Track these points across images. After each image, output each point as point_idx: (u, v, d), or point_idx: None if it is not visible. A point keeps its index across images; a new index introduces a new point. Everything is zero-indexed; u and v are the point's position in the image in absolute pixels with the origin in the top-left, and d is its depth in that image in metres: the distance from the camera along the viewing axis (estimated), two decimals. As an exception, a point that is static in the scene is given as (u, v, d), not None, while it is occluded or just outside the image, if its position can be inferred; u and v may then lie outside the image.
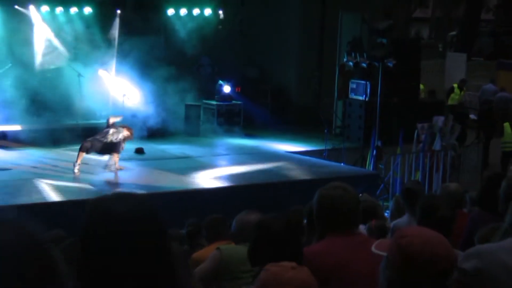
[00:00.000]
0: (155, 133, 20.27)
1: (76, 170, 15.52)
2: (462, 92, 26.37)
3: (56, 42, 20.63)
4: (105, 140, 15.84)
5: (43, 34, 20.52)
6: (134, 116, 19.86)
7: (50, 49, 20.61)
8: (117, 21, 21.47)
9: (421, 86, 26.52)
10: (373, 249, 3.64)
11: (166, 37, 22.80)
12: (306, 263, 3.23)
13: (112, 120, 16.37)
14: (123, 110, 20.00)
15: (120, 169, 16.20)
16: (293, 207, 8.81)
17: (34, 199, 13.43)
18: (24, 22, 20.22)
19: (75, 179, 15.05)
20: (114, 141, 15.90)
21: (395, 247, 2.92)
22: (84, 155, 15.74)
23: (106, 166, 16.20)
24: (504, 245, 3.58)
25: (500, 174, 6.42)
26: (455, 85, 26.51)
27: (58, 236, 7.85)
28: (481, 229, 5.07)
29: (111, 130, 15.93)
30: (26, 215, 1.60)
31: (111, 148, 15.99)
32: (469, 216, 6.85)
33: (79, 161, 15.61)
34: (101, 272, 2.15)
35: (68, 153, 17.54)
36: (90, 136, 16.17)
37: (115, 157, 16.08)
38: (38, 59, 20.41)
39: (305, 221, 6.57)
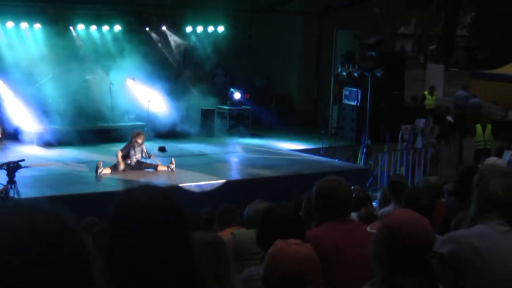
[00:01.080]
0: (175, 134, 20.33)
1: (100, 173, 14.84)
2: (434, 97, 26.32)
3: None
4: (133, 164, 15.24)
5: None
6: (158, 119, 20.00)
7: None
8: (143, 38, 21.48)
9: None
10: (368, 228, 3.88)
11: (185, 51, 22.83)
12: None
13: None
14: (148, 113, 20.05)
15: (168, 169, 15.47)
16: (295, 198, 8.79)
17: (70, 190, 13.44)
18: (63, 39, 20.20)
19: (105, 174, 14.98)
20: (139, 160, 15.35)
21: (383, 224, 3.07)
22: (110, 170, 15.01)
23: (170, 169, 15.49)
24: (474, 231, 3.62)
25: (473, 168, 6.39)
26: (426, 92, 26.51)
27: (91, 222, 7.86)
28: (456, 216, 5.08)
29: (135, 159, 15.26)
30: (61, 204, 1.54)
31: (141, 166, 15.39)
32: (446, 205, 6.84)
33: (106, 171, 14.93)
34: (127, 256, 2.13)
35: (100, 151, 17.59)
36: (120, 138, 15.82)
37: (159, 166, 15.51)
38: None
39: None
